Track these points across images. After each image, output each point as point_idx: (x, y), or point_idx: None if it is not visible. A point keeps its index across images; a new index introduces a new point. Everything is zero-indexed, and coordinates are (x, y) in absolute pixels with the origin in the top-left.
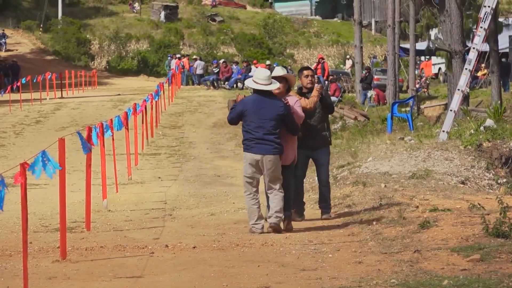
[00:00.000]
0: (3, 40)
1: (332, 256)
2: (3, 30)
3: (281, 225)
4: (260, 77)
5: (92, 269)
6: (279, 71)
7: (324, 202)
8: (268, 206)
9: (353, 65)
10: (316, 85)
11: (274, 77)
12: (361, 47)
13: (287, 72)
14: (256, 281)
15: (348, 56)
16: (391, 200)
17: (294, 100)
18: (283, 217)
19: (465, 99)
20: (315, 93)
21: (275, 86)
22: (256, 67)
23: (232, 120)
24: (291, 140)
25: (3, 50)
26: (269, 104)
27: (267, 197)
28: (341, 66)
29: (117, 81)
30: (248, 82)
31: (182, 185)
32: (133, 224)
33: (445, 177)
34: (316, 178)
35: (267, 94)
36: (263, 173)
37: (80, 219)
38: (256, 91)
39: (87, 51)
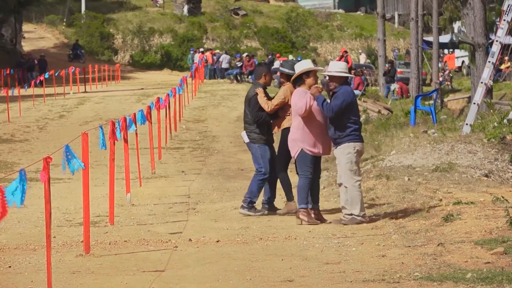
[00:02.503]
0: (80, 50)
1: (356, 249)
2: (77, 40)
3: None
4: (342, 66)
5: (115, 263)
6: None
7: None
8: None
9: (375, 59)
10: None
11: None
12: (384, 41)
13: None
14: (279, 275)
15: (360, 51)
16: (414, 193)
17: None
18: None
19: (489, 92)
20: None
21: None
22: (280, 61)
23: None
24: None
25: (82, 61)
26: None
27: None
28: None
29: (140, 75)
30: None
31: (206, 179)
32: (157, 218)
33: (468, 170)
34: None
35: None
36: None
37: (103, 213)
38: (345, 82)
39: (111, 45)
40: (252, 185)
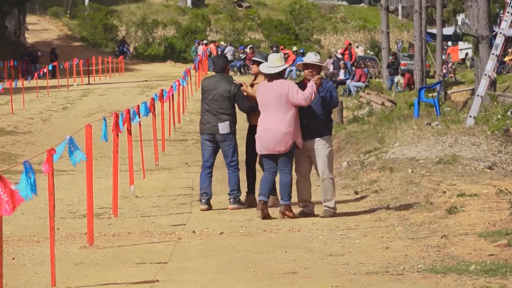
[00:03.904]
0: (125, 47)
1: (359, 241)
2: (124, 36)
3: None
4: (318, 57)
5: (119, 255)
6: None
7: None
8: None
9: (379, 52)
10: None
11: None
12: (388, 33)
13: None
14: (283, 267)
15: (356, 44)
16: (418, 186)
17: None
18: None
19: (492, 84)
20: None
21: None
22: (283, 53)
23: None
24: None
25: (128, 58)
26: None
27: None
28: (368, 51)
29: (144, 67)
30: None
31: None
32: (160, 210)
33: (472, 162)
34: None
35: None
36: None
37: (107, 205)
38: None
39: (114, 37)
40: (235, 179)
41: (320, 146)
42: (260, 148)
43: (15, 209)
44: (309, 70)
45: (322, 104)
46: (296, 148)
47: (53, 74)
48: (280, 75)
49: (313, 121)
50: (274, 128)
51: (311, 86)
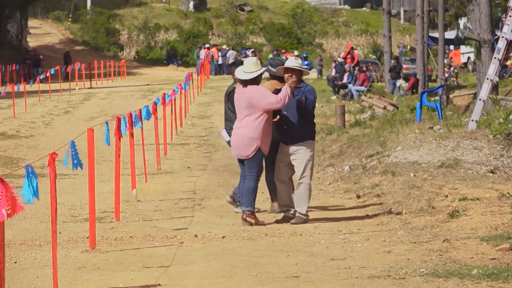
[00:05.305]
0: (176, 61)
1: (361, 245)
2: (170, 50)
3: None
4: (300, 62)
5: (121, 259)
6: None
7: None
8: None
9: (381, 56)
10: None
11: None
12: (390, 37)
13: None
14: (285, 271)
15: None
16: (420, 190)
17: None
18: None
19: (494, 88)
20: None
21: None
22: (285, 57)
23: None
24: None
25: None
26: None
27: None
28: (370, 55)
29: (146, 71)
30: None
31: (211, 175)
32: (162, 214)
33: (474, 166)
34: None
35: None
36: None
37: (109, 209)
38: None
39: (116, 41)
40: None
41: (300, 151)
42: (233, 153)
43: (14, 215)
44: (289, 74)
45: (298, 108)
46: (274, 154)
47: (65, 77)
48: (254, 80)
49: (293, 126)
50: (240, 133)
51: (285, 89)
